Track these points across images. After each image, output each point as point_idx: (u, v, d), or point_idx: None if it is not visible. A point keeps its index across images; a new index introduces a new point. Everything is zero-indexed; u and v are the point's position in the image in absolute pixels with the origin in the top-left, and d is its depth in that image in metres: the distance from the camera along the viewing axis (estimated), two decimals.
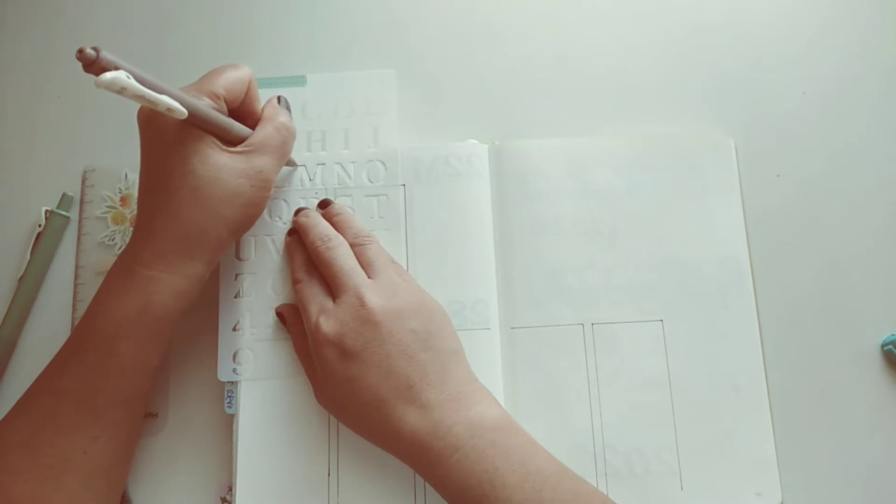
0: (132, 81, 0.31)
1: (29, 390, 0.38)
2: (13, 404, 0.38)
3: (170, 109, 0.33)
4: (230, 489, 0.42)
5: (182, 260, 0.38)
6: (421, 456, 0.36)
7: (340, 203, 0.45)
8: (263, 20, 0.51)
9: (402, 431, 0.36)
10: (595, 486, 0.40)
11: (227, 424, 0.43)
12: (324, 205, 0.44)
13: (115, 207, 0.47)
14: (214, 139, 0.38)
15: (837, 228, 0.45)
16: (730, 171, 0.46)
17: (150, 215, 0.38)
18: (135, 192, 0.47)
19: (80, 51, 0.30)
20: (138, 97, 0.32)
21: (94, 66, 0.30)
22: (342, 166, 0.46)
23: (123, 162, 0.48)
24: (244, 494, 0.41)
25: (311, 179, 0.45)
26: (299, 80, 0.47)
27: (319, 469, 0.41)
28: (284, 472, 0.41)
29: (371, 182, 0.45)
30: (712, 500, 0.41)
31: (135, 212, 0.47)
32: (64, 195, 0.47)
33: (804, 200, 0.46)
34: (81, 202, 0.48)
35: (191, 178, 0.37)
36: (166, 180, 0.37)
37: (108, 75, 0.30)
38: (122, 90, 0.31)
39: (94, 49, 0.30)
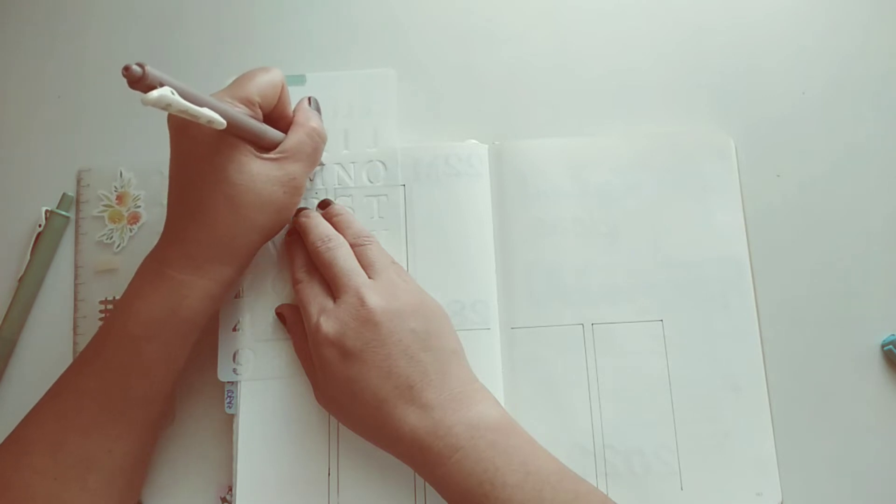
0: (177, 97, 0.31)
1: (52, 389, 0.38)
2: (14, 404, 0.38)
3: (210, 122, 0.33)
4: (230, 489, 0.42)
5: (214, 265, 0.38)
6: (421, 456, 0.36)
7: (340, 203, 0.45)
8: (263, 19, 0.51)
9: (403, 431, 0.36)
10: (595, 486, 0.39)
11: (227, 424, 0.43)
12: (324, 205, 0.44)
13: (111, 206, 0.47)
14: (249, 146, 0.38)
15: (837, 228, 0.45)
16: (730, 171, 0.46)
17: (183, 221, 0.38)
18: (130, 190, 0.47)
19: (127, 68, 0.29)
20: (182, 112, 0.31)
21: (140, 83, 0.30)
22: (342, 166, 0.46)
23: (122, 160, 0.48)
24: (244, 494, 0.41)
25: (311, 180, 0.45)
26: (298, 80, 0.47)
27: (319, 469, 0.41)
28: (284, 472, 0.41)
29: (371, 182, 0.45)
30: (712, 500, 0.41)
31: (132, 209, 0.47)
32: (64, 195, 0.47)
33: (804, 200, 0.46)
34: (78, 202, 0.48)
35: (225, 187, 0.37)
36: (200, 187, 0.37)
37: (155, 93, 0.30)
38: (167, 106, 0.31)
39: (140, 65, 0.29)
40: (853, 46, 0.49)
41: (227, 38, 0.51)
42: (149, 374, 0.38)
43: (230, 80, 0.40)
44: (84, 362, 0.38)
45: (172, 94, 0.31)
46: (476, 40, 0.50)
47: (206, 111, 0.33)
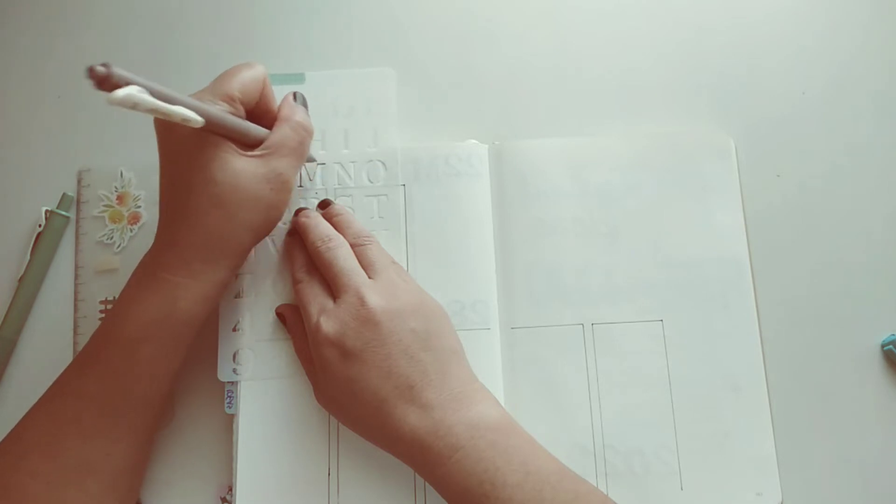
0: (145, 96, 0.30)
1: (49, 391, 0.38)
2: (14, 404, 0.38)
3: (185, 120, 0.33)
4: (230, 489, 0.42)
5: (207, 267, 0.38)
6: (421, 456, 0.36)
7: (340, 203, 0.45)
8: (262, 17, 0.51)
9: (403, 431, 0.36)
10: (595, 486, 0.39)
11: (227, 424, 0.43)
12: (324, 205, 0.44)
13: (111, 206, 0.47)
14: (232, 144, 0.38)
15: (837, 229, 0.45)
16: (730, 171, 0.46)
17: (173, 223, 0.38)
18: (131, 190, 0.47)
19: (91, 69, 0.29)
20: (152, 111, 0.31)
21: (105, 83, 0.29)
22: (342, 166, 0.46)
23: (122, 160, 0.48)
24: (244, 494, 0.41)
25: (311, 179, 0.45)
26: (298, 78, 0.47)
27: (319, 469, 0.41)
28: (284, 472, 0.41)
29: (371, 182, 0.45)
30: (712, 500, 0.41)
31: (132, 209, 0.47)
32: (64, 195, 0.47)
33: (804, 200, 0.46)
34: (78, 202, 0.48)
35: (211, 186, 0.37)
36: (186, 188, 0.37)
37: (120, 93, 0.29)
38: (135, 105, 0.30)
39: (104, 65, 0.29)
40: (853, 46, 0.49)
41: (227, 38, 0.51)
42: (146, 376, 0.38)
43: None
44: (81, 366, 0.38)
45: (141, 92, 0.30)
46: (476, 40, 0.50)
47: (179, 109, 0.32)
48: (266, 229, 0.40)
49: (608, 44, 0.50)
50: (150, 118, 0.39)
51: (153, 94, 0.31)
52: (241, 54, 0.50)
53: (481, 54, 0.50)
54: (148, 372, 0.38)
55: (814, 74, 0.48)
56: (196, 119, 0.34)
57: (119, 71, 0.30)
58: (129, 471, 0.39)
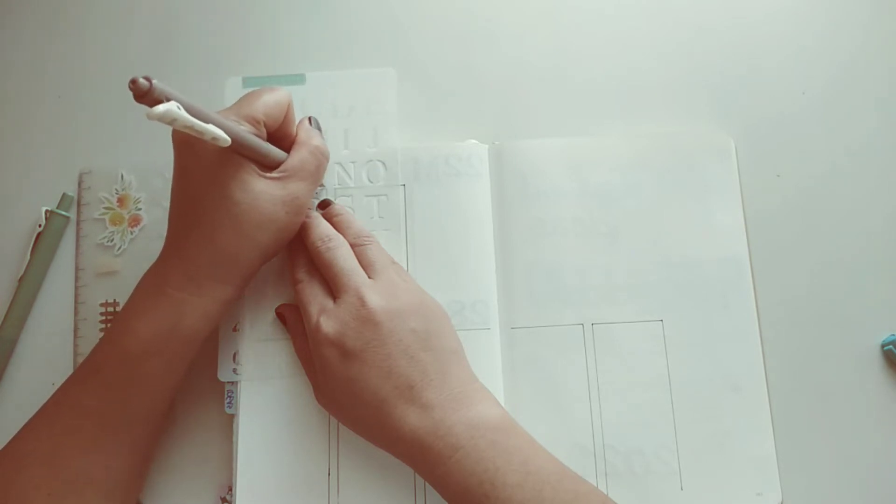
0: (183, 112, 0.30)
1: (49, 403, 0.38)
2: (14, 405, 0.38)
3: (215, 138, 0.33)
4: (230, 489, 0.42)
5: (214, 284, 0.38)
6: (421, 456, 0.36)
7: (340, 203, 0.45)
8: (262, 18, 0.51)
9: (403, 431, 0.36)
10: (595, 485, 0.39)
11: (227, 424, 0.43)
12: (324, 205, 0.44)
13: (112, 208, 0.47)
14: (252, 165, 0.38)
15: (837, 229, 0.45)
16: (730, 171, 0.46)
17: (184, 237, 0.38)
18: (131, 193, 0.47)
19: (133, 81, 0.29)
20: (187, 127, 0.31)
21: (146, 97, 0.29)
22: (342, 166, 0.46)
23: (122, 161, 0.48)
24: (244, 494, 0.41)
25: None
26: (298, 79, 0.47)
27: (319, 469, 0.41)
28: (284, 472, 0.41)
29: (371, 182, 0.45)
30: (712, 500, 0.41)
31: (133, 212, 0.47)
32: (64, 195, 0.47)
33: (804, 200, 0.46)
34: (78, 204, 0.48)
35: (229, 205, 0.37)
36: (202, 204, 0.37)
37: (160, 108, 0.29)
38: (173, 121, 0.30)
39: (147, 79, 0.29)
40: (853, 46, 0.49)
41: (226, 38, 0.51)
42: (147, 391, 0.38)
43: (230, 80, 0.40)
44: (83, 378, 0.38)
45: (178, 109, 0.30)
46: (476, 40, 0.50)
47: (210, 128, 0.33)
48: (275, 250, 0.40)
49: (608, 44, 0.50)
50: (151, 122, 0.39)
51: (187, 110, 0.31)
52: (241, 55, 0.50)
53: (481, 54, 0.50)
54: (149, 387, 0.38)
55: (814, 74, 0.48)
56: (224, 138, 0.34)
57: (160, 85, 0.30)
58: (127, 483, 0.39)
